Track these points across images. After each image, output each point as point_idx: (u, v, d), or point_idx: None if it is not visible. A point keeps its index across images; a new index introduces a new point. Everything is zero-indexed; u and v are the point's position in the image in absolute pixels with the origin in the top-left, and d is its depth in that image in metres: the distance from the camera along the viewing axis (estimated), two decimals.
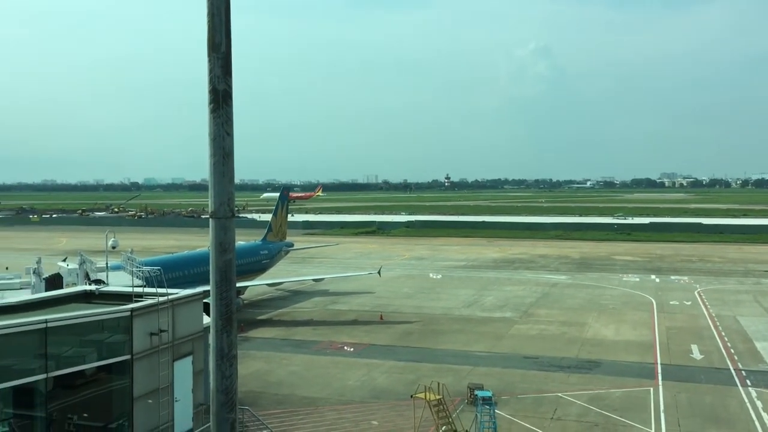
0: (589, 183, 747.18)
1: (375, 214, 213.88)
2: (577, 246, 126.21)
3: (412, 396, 34.57)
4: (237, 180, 10.31)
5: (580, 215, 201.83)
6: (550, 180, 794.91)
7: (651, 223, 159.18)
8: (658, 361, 46.09)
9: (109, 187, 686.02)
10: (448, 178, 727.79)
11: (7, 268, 68.12)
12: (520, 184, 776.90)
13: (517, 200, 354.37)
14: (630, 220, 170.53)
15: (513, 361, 46.04)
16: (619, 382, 41.14)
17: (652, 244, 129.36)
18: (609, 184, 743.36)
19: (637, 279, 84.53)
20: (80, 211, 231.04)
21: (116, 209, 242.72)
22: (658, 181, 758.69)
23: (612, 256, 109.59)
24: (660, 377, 42.39)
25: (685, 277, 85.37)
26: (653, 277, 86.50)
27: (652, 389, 39.89)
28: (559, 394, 38.72)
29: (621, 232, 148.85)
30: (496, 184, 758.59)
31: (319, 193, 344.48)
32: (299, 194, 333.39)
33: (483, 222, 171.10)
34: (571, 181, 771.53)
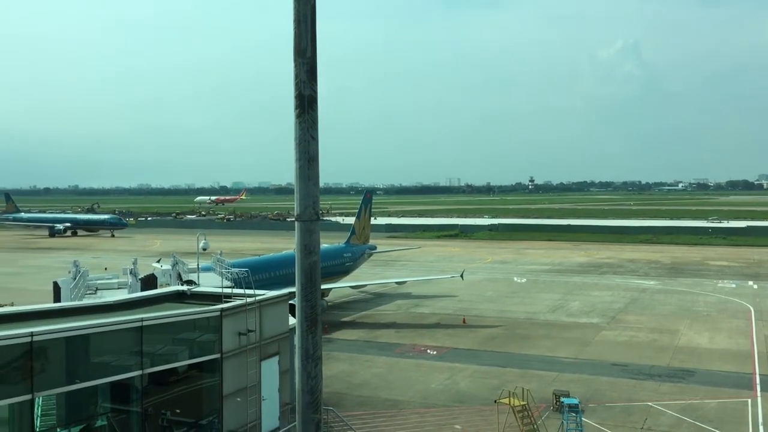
0: (680, 185, 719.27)
1: (457, 217, 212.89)
2: (667, 250, 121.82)
3: (496, 401, 34.27)
4: (321, 183, 10.47)
5: (671, 218, 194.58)
6: (639, 182, 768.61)
7: (748, 227, 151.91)
8: (757, 372, 43.88)
9: (200, 191, 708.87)
10: (532, 180, 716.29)
11: (105, 269, 71.67)
12: (607, 186, 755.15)
13: (604, 203, 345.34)
14: (725, 224, 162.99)
15: (600, 368, 44.80)
16: (714, 393, 39.38)
17: (749, 248, 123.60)
18: (702, 186, 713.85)
19: (734, 285, 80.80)
20: (174, 214, 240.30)
21: (203, 213, 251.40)
22: (755, 182, 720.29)
23: (706, 261, 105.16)
24: (758, 388, 40.35)
25: None
26: (751, 283, 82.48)
27: (750, 401, 38.03)
28: (650, 404, 37.43)
29: (715, 236, 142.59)
30: (581, 187, 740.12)
31: (243, 197, 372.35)
32: (225, 197, 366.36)
33: (568, 225, 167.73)
34: (661, 184, 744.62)
